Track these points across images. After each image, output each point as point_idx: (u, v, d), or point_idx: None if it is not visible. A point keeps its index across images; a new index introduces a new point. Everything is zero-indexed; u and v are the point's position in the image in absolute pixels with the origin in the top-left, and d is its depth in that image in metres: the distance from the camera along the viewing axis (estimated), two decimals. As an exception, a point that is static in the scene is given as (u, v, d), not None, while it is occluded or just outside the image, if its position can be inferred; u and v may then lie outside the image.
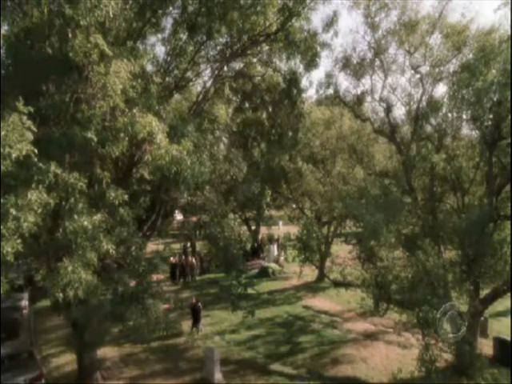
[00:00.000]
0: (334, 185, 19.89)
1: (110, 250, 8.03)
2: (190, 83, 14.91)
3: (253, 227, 32.16)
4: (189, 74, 14.52)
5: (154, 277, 29.10)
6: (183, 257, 28.21)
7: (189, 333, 18.80)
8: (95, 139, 8.82)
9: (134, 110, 9.44)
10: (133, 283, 10.76)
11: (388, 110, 16.14)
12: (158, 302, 11.05)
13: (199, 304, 19.16)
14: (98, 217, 8.90)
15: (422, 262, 9.89)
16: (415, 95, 16.23)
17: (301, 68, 15.70)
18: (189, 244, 30.99)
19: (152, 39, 15.20)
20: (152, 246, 37.69)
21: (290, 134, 17.35)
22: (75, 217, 7.92)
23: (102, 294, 9.08)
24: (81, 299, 8.10)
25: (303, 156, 22.72)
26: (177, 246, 32.86)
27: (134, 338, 17.27)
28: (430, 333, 9.72)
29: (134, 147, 9.61)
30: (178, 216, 33.64)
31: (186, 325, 19.05)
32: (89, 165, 9.54)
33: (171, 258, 27.94)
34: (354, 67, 16.36)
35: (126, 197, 9.45)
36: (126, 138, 9.32)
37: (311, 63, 14.01)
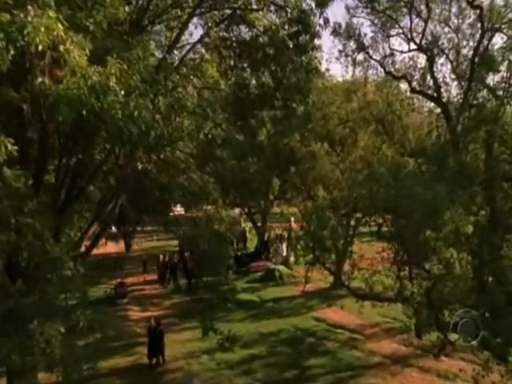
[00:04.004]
0: (356, 169, 15.89)
1: None
2: (164, 18, 11.17)
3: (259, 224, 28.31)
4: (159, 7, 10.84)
5: (141, 278, 25.71)
6: (176, 256, 24.46)
7: (147, 366, 14.48)
8: None
9: (29, 7, 5.71)
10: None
11: (431, 60, 12.01)
12: (52, 325, 6.61)
13: (161, 327, 14.74)
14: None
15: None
16: (469, 42, 12.10)
17: (312, 6, 11.85)
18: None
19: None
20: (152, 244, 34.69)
21: (300, 98, 13.48)
22: None
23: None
24: None
25: (317, 135, 18.77)
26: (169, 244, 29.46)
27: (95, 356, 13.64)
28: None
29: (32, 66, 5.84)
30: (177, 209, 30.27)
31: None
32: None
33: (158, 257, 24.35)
34: (385, 4, 12.29)
35: (14, 148, 5.74)
36: (11, 50, 5.59)
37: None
